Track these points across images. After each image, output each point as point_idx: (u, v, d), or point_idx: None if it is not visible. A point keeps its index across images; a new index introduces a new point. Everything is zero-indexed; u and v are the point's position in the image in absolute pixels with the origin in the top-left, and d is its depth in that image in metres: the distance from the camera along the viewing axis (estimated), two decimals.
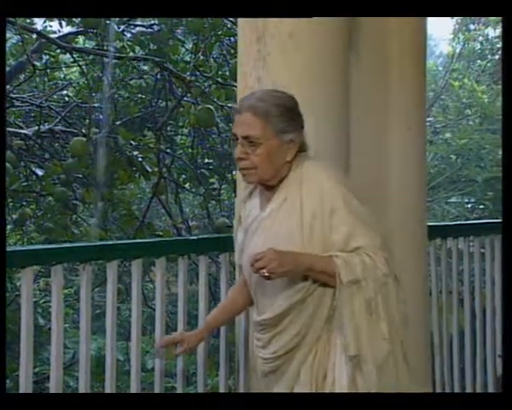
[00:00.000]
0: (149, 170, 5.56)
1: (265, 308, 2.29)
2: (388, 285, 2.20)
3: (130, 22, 5.61)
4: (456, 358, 3.74)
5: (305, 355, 2.24)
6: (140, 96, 5.83)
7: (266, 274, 2.11)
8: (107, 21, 4.96)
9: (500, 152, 11.01)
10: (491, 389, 3.86)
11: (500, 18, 12.25)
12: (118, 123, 5.49)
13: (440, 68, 12.97)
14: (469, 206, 11.44)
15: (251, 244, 2.29)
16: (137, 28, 5.63)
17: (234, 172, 5.58)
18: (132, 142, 5.52)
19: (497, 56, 12.03)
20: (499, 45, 12.09)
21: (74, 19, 5.40)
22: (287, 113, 2.22)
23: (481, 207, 11.12)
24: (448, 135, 11.73)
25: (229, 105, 5.34)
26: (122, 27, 5.40)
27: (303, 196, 2.22)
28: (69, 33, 5.69)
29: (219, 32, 5.38)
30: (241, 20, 2.66)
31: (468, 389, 3.77)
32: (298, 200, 2.22)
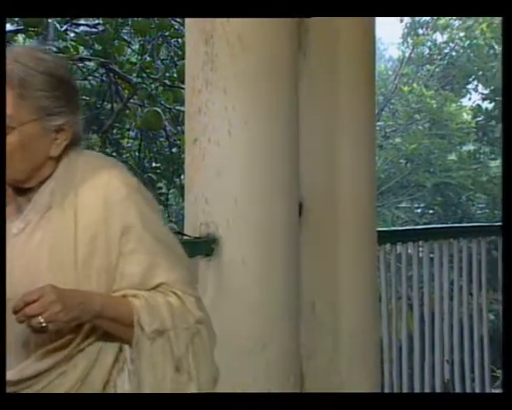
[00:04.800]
0: None
1: (14, 364, 1.52)
2: (201, 334, 1.59)
3: (74, 21, 5.48)
4: (404, 363, 3.74)
5: None
6: (85, 97, 5.69)
7: (43, 324, 1.39)
8: (49, 20, 4.82)
9: (449, 157, 11.23)
10: None
11: (447, 23, 12.46)
12: None
13: (390, 72, 13.12)
14: (419, 211, 11.59)
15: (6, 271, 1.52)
16: (81, 28, 5.51)
17: (182, 177, 5.50)
18: None
19: (445, 61, 12.22)
20: (447, 50, 12.30)
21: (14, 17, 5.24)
22: (56, 86, 1.50)
23: (430, 212, 11.28)
24: (398, 140, 11.87)
25: (177, 108, 5.27)
26: (65, 26, 5.26)
27: (79, 206, 1.53)
28: (8, 31, 5.52)
29: (166, 34, 5.30)
30: (188, 21, 2.60)
31: None
32: (71, 211, 1.53)
